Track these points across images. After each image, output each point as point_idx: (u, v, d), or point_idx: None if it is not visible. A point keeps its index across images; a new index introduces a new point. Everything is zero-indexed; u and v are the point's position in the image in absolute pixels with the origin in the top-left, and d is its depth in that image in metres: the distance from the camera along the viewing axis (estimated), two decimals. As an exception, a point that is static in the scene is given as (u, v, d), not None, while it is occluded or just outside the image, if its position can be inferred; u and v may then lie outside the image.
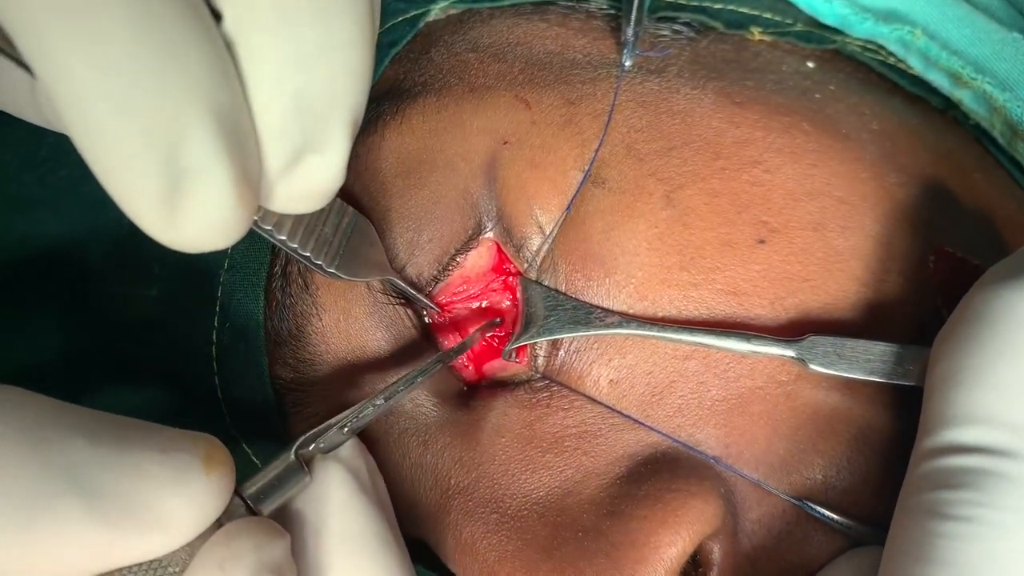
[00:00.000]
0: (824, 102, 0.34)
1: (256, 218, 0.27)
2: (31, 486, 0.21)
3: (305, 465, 0.27)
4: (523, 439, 0.30)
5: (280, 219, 0.27)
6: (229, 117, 0.20)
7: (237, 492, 0.25)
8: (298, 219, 0.28)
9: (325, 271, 0.29)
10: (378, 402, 0.28)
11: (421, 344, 0.32)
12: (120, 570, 0.22)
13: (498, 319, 0.33)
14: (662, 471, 0.29)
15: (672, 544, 0.27)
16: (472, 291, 0.33)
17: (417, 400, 0.32)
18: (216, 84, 0.20)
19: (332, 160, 0.23)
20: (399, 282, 0.31)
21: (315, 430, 0.27)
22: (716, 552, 0.28)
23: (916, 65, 0.37)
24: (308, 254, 0.28)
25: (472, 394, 0.32)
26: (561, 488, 0.30)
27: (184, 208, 0.20)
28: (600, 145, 0.31)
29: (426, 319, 0.33)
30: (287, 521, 0.26)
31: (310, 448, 0.27)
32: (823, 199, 0.30)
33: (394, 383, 0.29)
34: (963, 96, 0.36)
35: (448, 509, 0.31)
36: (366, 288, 0.31)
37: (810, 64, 0.36)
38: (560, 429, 0.30)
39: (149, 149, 0.19)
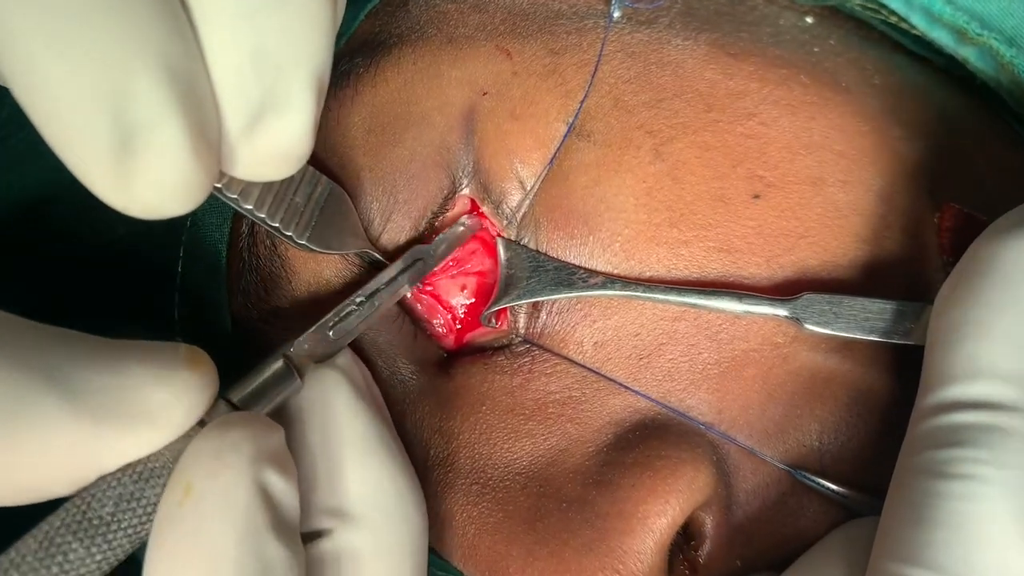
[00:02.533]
0: (823, 55, 0.32)
1: (220, 185, 0.25)
2: (10, 387, 0.20)
3: (295, 370, 0.26)
4: (504, 407, 0.29)
5: (247, 187, 0.26)
6: (181, 70, 0.19)
7: (223, 397, 0.24)
8: (267, 187, 0.27)
9: (295, 243, 0.28)
10: (358, 299, 0.27)
11: (399, 316, 0.31)
12: (104, 476, 0.22)
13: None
14: (651, 438, 0.27)
15: (661, 514, 0.26)
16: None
17: (395, 368, 0.30)
18: (167, 34, 0.19)
19: (297, 120, 0.22)
20: (376, 254, 0.30)
21: (302, 336, 0.27)
22: (708, 523, 0.27)
23: (919, 23, 0.35)
24: (277, 225, 0.27)
25: (452, 362, 0.31)
26: (545, 457, 0.28)
27: (136, 167, 0.19)
28: (586, 96, 0.30)
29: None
30: (282, 419, 0.25)
31: (295, 352, 0.26)
32: (822, 152, 0.29)
33: (373, 281, 0.28)
34: (968, 54, 0.34)
35: (427, 481, 0.29)
36: (340, 256, 0.30)
37: (809, 19, 0.34)
38: (543, 395, 0.29)
39: (95, 101, 0.18)
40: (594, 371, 0.28)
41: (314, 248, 0.28)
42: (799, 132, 0.29)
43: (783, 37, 0.33)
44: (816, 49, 0.33)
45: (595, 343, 0.28)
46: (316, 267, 0.30)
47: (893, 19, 0.35)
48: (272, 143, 0.22)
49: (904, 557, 0.21)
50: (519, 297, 0.28)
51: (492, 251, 0.31)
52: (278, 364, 0.26)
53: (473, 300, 0.31)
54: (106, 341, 0.22)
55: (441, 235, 0.30)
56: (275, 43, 0.20)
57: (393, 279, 0.28)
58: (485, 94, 0.30)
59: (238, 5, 0.20)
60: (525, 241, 0.29)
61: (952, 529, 0.20)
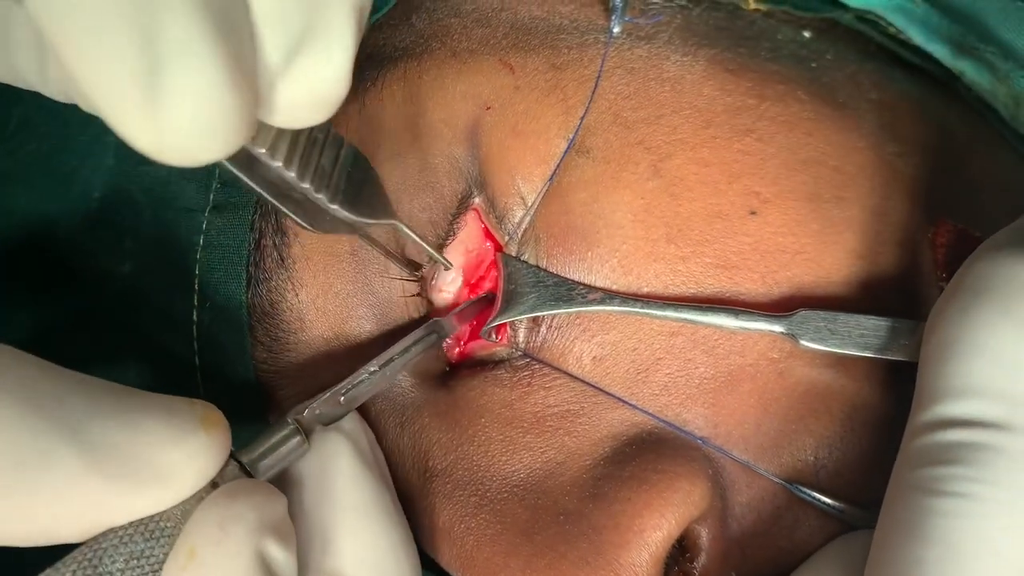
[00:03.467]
0: (820, 71, 0.32)
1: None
2: (29, 439, 0.21)
3: (304, 434, 0.26)
4: (503, 419, 0.29)
5: (275, 142, 0.24)
6: None
7: (234, 457, 0.25)
8: (293, 145, 0.24)
9: (328, 206, 0.26)
10: (372, 369, 0.28)
11: (409, 323, 0.31)
12: (114, 529, 0.22)
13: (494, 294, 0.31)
14: (647, 452, 0.28)
15: (657, 527, 0.26)
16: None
17: (395, 380, 0.31)
18: None
19: (338, 55, 0.20)
20: (405, 229, 0.29)
21: (312, 400, 0.27)
22: (704, 536, 0.27)
23: (917, 36, 0.35)
24: (308, 186, 0.25)
25: (452, 374, 0.31)
26: (542, 470, 0.28)
27: (166, 99, 0.17)
28: (586, 112, 0.30)
29: (427, 299, 0.31)
30: (285, 488, 0.26)
31: (305, 416, 0.27)
32: (818, 169, 0.29)
33: (388, 351, 0.28)
34: (965, 67, 0.35)
35: (426, 492, 0.30)
36: (351, 261, 0.30)
37: (806, 33, 0.35)
38: (541, 408, 0.29)
39: (121, 20, 0.17)
40: (592, 385, 0.28)
41: (347, 213, 0.27)
42: (796, 148, 0.30)
43: (781, 52, 0.33)
44: (813, 64, 0.33)
45: (593, 358, 0.29)
46: (325, 279, 0.30)
47: (891, 30, 0.35)
48: (312, 80, 0.21)
49: (897, 573, 0.21)
50: (520, 312, 0.29)
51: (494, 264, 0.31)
52: (288, 427, 0.26)
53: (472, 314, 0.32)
54: (126, 393, 0.23)
55: (458, 307, 0.30)
56: None
57: (407, 349, 0.28)
58: (489, 108, 0.30)
59: None
60: (526, 256, 0.30)
61: (945, 546, 0.20)
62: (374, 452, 0.28)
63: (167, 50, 0.17)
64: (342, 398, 0.27)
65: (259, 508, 0.23)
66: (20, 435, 0.21)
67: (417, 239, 0.30)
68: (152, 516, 0.23)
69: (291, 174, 0.25)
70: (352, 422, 0.28)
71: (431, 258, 0.31)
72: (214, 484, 0.24)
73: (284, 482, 0.27)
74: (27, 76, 0.23)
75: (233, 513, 0.22)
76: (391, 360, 0.28)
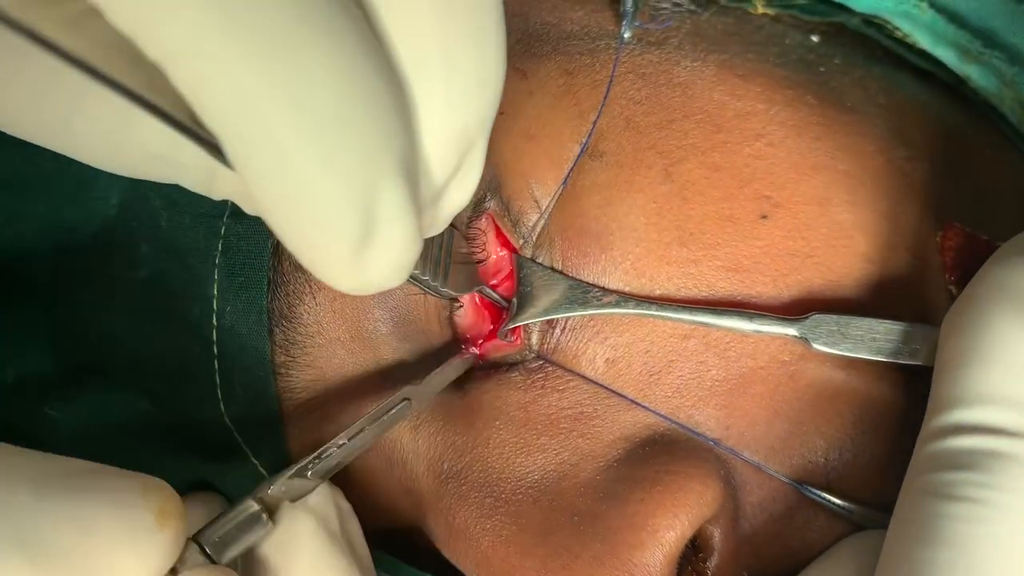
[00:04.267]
0: (829, 75, 0.33)
1: None
2: None
3: (267, 512, 0.26)
4: (517, 421, 0.30)
5: None
6: (410, 160, 0.20)
7: (195, 540, 0.24)
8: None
9: (439, 292, 0.29)
10: (341, 442, 0.27)
11: (427, 326, 0.32)
12: None
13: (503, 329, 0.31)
14: (660, 453, 0.28)
15: (670, 528, 0.27)
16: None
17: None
18: (403, 128, 0.19)
19: (473, 178, 0.23)
20: (492, 293, 0.31)
21: (276, 476, 0.26)
22: (716, 536, 0.28)
23: (923, 40, 0.36)
24: (426, 278, 0.28)
25: (465, 376, 0.31)
26: (556, 471, 0.29)
27: (371, 257, 0.20)
28: (598, 117, 0.30)
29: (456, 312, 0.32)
30: (247, 569, 0.26)
31: (271, 493, 0.26)
32: (828, 173, 0.30)
33: (359, 423, 0.28)
34: (971, 72, 0.35)
35: (441, 494, 0.30)
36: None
37: (814, 37, 0.35)
38: (555, 410, 0.29)
39: (349, 198, 0.18)
40: (605, 387, 0.29)
41: (451, 293, 0.30)
42: (805, 153, 0.30)
43: (789, 57, 0.33)
44: (822, 69, 0.33)
45: (607, 360, 0.29)
46: (349, 322, 0.31)
47: (898, 35, 0.36)
48: (451, 204, 0.23)
49: (908, 574, 0.22)
50: (535, 315, 0.29)
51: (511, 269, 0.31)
52: (252, 507, 0.26)
53: (489, 312, 0.32)
54: (79, 477, 0.22)
55: (432, 374, 0.30)
56: (473, 122, 0.21)
57: (379, 418, 0.28)
58: (501, 114, 0.30)
59: (451, 94, 0.20)
60: (540, 259, 0.30)
61: (957, 550, 0.21)
62: (345, 524, 0.28)
63: (381, 220, 0.19)
64: (309, 472, 0.27)
65: None
66: None
67: (497, 297, 0.31)
68: None
69: (415, 271, 0.28)
70: (320, 495, 0.27)
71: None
72: (174, 571, 0.23)
73: (247, 562, 0.26)
74: (187, 184, 0.25)
75: None
76: (361, 431, 0.28)
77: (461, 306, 0.31)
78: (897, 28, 0.36)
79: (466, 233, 0.31)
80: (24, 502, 0.21)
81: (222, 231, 0.31)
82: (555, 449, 0.29)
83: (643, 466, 0.28)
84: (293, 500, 0.26)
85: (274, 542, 0.26)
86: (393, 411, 0.28)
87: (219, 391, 0.32)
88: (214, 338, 0.31)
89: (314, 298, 0.31)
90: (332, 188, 0.18)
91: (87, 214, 0.32)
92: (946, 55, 0.35)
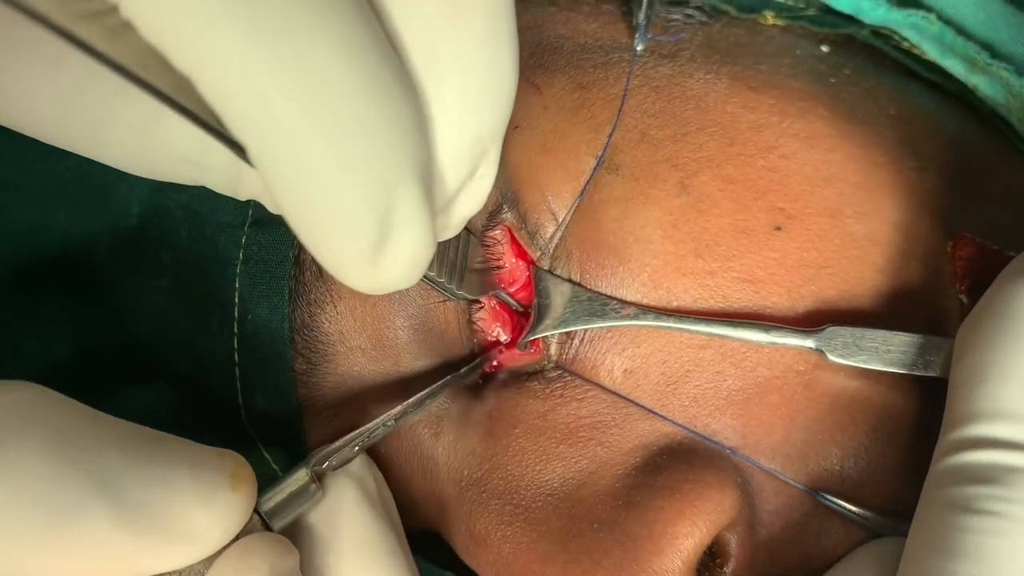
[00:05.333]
0: (840, 86, 0.33)
1: None
2: (61, 491, 0.21)
3: (318, 480, 0.28)
4: (536, 430, 0.30)
5: None
6: (425, 164, 0.20)
7: (255, 508, 0.26)
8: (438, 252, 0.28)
9: (455, 294, 0.30)
10: (388, 423, 0.29)
11: (447, 333, 0.32)
12: None
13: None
14: (678, 462, 0.28)
15: (689, 535, 0.27)
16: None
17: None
18: (420, 136, 0.20)
19: (488, 183, 0.24)
20: (508, 298, 0.32)
21: (328, 448, 0.28)
22: (733, 543, 0.28)
23: (931, 51, 0.36)
24: (442, 280, 0.29)
25: (485, 385, 0.32)
26: (575, 479, 0.29)
27: (386, 258, 0.20)
28: (613, 130, 0.31)
29: (478, 320, 0.33)
30: (298, 533, 0.27)
31: (323, 464, 0.28)
32: (840, 185, 0.30)
33: (404, 404, 0.29)
34: (979, 82, 0.35)
35: (461, 501, 0.30)
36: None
37: (824, 48, 0.35)
38: (574, 420, 0.30)
39: (368, 204, 0.19)
40: (623, 397, 0.29)
41: (467, 296, 0.30)
42: (818, 165, 0.30)
43: (801, 68, 0.34)
44: (832, 80, 0.34)
45: (625, 370, 0.29)
46: (370, 330, 0.31)
47: (905, 45, 0.36)
48: (466, 208, 0.24)
49: None
50: (555, 327, 0.29)
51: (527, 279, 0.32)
52: (305, 476, 0.27)
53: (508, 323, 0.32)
54: (157, 441, 0.23)
55: (469, 366, 0.31)
56: (487, 129, 0.22)
57: (421, 402, 0.30)
58: (516, 127, 0.31)
59: (465, 100, 0.21)
60: (558, 271, 0.30)
61: (977, 562, 0.21)
62: (381, 492, 0.29)
63: (397, 223, 0.20)
64: (356, 448, 0.29)
65: (271, 563, 0.24)
66: (53, 488, 0.21)
67: (511, 300, 0.32)
68: (177, 571, 0.24)
69: (431, 273, 0.28)
70: (359, 464, 0.29)
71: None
72: (235, 536, 0.25)
73: (296, 528, 0.28)
74: (213, 185, 0.25)
75: (247, 567, 0.24)
76: (406, 413, 0.29)
77: (482, 308, 0.32)
78: (905, 39, 0.36)
79: (481, 240, 0.31)
80: (108, 453, 0.22)
81: (243, 240, 0.32)
82: (574, 457, 0.29)
83: (661, 474, 0.28)
84: (336, 468, 0.28)
85: (322, 511, 0.28)
86: (437, 396, 0.30)
87: (240, 397, 0.32)
88: (235, 345, 0.32)
89: (335, 307, 0.31)
90: (350, 191, 0.19)
91: (108, 225, 0.32)
92: (954, 66, 0.35)
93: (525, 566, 0.29)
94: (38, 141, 0.33)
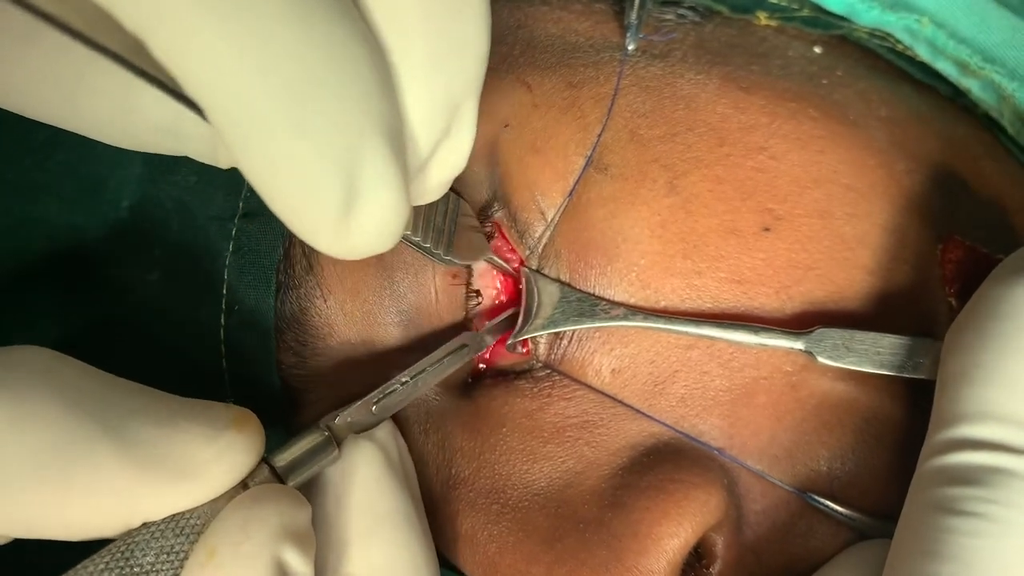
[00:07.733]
0: (831, 88, 0.33)
1: None
2: (70, 432, 0.22)
3: (335, 442, 0.27)
4: (524, 429, 0.30)
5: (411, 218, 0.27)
6: (392, 124, 0.20)
7: (266, 461, 0.26)
8: (416, 211, 0.28)
9: (441, 259, 0.30)
10: (404, 379, 0.29)
11: (437, 330, 0.32)
12: (148, 524, 0.23)
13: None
14: (665, 462, 0.28)
15: (674, 535, 0.27)
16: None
17: (426, 391, 0.31)
18: (384, 96, 0.20)
19: (465, 143, 0.23)
20: (498, 260, 0.31)
21: (344, 408, 0.28)
22: (719, 544, 0.28)
23: (924, 54, 0.36)
24: (428, 245, 0.29)
25: (474, 383, 0.32)
26: (562, 479, 0.29)
27: (356, 221, 0.20)
28: (603, 130, 0.31)
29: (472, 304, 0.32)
30: (311, 493, 0.27)
31: (337, 423, 0.28)
32: (830, 186, 0.30)
33: (420, 363, 0.29)
34: (971, 85, 0.35)
35: (448, 499, 0.30)
36: (378, 266, 0.31)
37: (817, 49, 0.35)
38: (561, 419, 0.30)
39: (331, 167, 0.19)
40: (611, 397, 0.29)
41: (455, 261, 0.30)
42: (808, 166, 0.30)
43: (792, 69, 0.34)
44: (824, 81, 0.33)
45: (612, 370, 0.29)
46: (352, 285, 0.31)
47: (899, 47, 0.36)
48: (444, 169, 0.24)
49: None
50: (544, 327, 0.29)
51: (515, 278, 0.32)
52: (321, 435, 0.27)
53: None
54: (162, 395, 0.24)
55: (488, 323, 0.31)
56: (457, 85, 0.22)
57: (439, 361, 0.30)
58: (507, 126, 0.31)
59: (431, 56, 0.21)
60: (547, 270, 0.30)
61: (960, 564, 0.21)
62: (404, 462, 0.29)
63: (364, 185, 0.19)
64: (374, 407, 0.28)
65: (283, 514, 0.24)
66: (62, 429, 0.22)
67: (504, 264, 0.32)
68: (184, 513, 0.23)
69: (416, 238, 0.28)
70: (384, 431, 0.28)
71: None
72: (244, 486, 0.25)
73: (311, 488, 0.27)
74: (193, 154, 0.25)
75: (257, 516, 0.23)
76: (423, 371, 0.29)
77: (479, 303, 0.32)
78: (899, 41, 0.36)
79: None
80: (114, 400, 0.23)
81: (233, 232, 0.31)
82: (561, 457, 0.29)
83: (648, 474, 0.28)
84: (357, 433, 0.28)
85: (341, 468, 0.27)
86: (451, 355, 0.30)
87: (228, 389, 0.32)
88: (222, 336, 0.32)
89: (325, 301, 0.31)
90: (310, 151, 0.18)
91: (98, 218, 0.32)
92: (946, 68, 0.35)
93: (511, 565, 0.29)
94: (28, 134, 0.33)
